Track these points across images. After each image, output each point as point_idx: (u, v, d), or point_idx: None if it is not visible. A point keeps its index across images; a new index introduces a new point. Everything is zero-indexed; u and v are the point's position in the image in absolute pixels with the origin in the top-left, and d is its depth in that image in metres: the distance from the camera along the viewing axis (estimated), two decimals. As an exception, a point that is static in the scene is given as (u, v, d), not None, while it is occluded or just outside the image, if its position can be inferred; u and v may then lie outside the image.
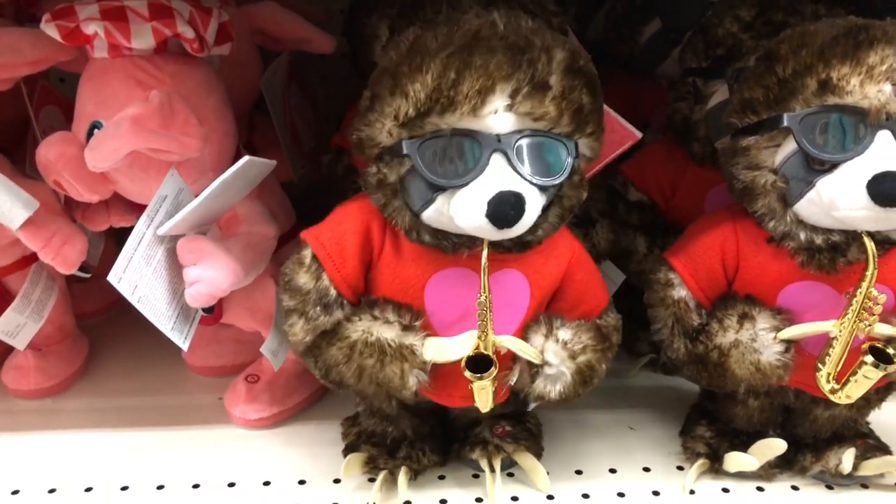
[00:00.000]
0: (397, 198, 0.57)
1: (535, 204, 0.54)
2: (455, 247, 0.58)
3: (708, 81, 0.75)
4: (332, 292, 0.61)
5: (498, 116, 0.53)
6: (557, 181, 0.55)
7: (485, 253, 0.57)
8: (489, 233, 0.54)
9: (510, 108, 0.53)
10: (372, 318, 0.60)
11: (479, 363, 0.59)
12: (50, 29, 0.63)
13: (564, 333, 0.61)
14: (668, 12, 0.87)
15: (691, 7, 0.82)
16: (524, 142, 0.54)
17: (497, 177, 0.53)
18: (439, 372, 0.61)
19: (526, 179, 0.54)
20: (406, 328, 0.59)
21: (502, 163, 0.53)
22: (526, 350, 0.61)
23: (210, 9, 0.67)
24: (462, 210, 0.54)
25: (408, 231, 0.58)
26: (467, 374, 0.59)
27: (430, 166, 0.54)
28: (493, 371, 0.59)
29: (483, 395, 0.60)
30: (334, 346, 0.60)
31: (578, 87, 0.55)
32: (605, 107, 0.65)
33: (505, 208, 0.52)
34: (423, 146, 0.54)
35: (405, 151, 0.54)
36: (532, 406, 0.70)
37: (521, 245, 0.59)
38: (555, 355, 0.61)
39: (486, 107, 0.52)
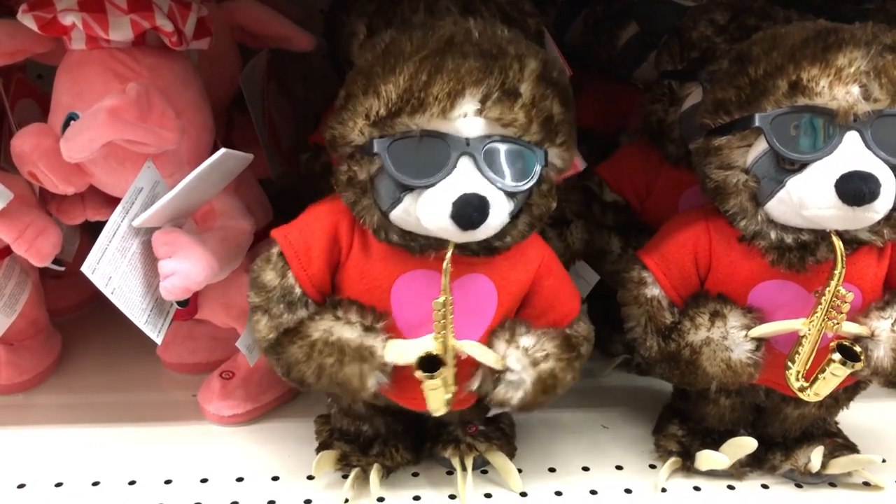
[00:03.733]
0: (367, 196, 0.58)
1: (500, 208, 0.55)
2: (422, 248, 0.59)
3: (683, 84, 0.76)
4: (297, 291, 0.62)
5: (467, 120, 0.54)
6: (524, 187, 0.56)
7: (448, 254, 0.57)
8: (453, 234, 0.55)
9: (480, 112, 0.54)
10: (334, 317, 0.60)
11: (431, 364, 0.59)
12: (27, 19, 0.63)
13: (527, 340, 0.61)
14: (644, 16, 0.88)
15: (667, 11, 0.83)
16: (493, 147, 0.55)
17: (463, 179, 0.54)
18: (403, 375, 0.60)
19: (492, 184, 0.54)
20: (367, 329, 0.59)
21: (470, 166, 0.54)
22: (486, 356, 0.61)
23: (189, 3, 0.67)
24: (427, 210, 0.54)
25: (376, 230, 0.59)
26: (417, 373, 0.58)
27: (399, 166, 0.55)
28: (443, 371, 0.59)
29: (434, 396, 0.60)
30: (295, 345, 0.60)
31: (549, 97, 0.56)
32: None
33: (468, 210, 0.53)
34: (393, 146, 0.55)
35: (375, 150, 0.55)
36: (492, 412, 0.70)
37: (489, 250, 0.60)
38: (517, 362, 0.60)
39: (456, 110, 0.53)
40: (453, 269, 0.58)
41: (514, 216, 0.58)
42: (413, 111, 0.53)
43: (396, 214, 0.57)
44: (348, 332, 0.59)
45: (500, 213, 0.55)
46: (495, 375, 0.61)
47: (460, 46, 0.54)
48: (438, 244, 0.58)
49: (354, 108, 0.56)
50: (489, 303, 0.62)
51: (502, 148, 0.55)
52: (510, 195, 0.56)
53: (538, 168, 0.56)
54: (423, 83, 0.53)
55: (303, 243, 0.61)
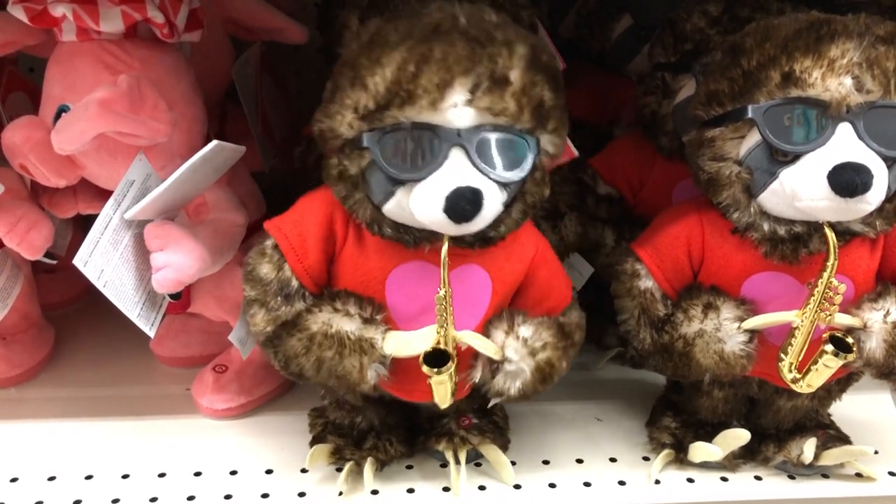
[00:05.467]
0: (359, 190, 0.57)
1: (493, 200, 0.54)
2: (416, 241, 0.58)
3: (676, 76, 0.76)
4: (294, 283, 0.61)
5: (458, 111, 0.53)
6: (517, 177, 0.56)
7: (445, 247, 0.56)
8: (447, 227, 0.54)
9: (470, 102, 0.53)
10: (333, 309, 0.60)
11: (436, 358, 0.59)
12: (17, 11, 0.62)
13: (525, 330, 0.61)
14: (638, 8, 0.88)
15: (661, 3, 0.82)
16: (484, 137, 0.54)
17: (456, 171, 0.53)
18: (400, 367, 0.61)
19: (485, 175, 0.54)
20: (367, 321, 0.59)
21: (462, 158, 0.53)
22: (486, 346, 0.60)
23: (181, -6, 0.67)
24: (420, 204, 0.54)
25: (369, 224, 0.58)
26: (425, 369, 0.58)
27: (390, 160, 0.54)
28: (451, 366, 0.58)
29: (441, 390, 0.60)
30: (294, 337, 0.60)
31: (540, 83, 0.55)
32: None
33: (462, 203, 0.52)
34: (384, 139, 0.54)
35: (365, 144, 0.54)
36: (492, 403, 0.69)
37: (484, 241, 0.59)
38: (515, 352, 0.60)
39: (446, 101, 0.52)
40: (449, 260, 0.57)
41: (508, 205, 0.58)
42: (402, 104, 0.52)
43: (389, 208, 0.56)
44: (347, 323, 0.59)
45: (493, 204, 0.55)
46: (493, 366, 0.61)
47: (447, 34, 0.52)
48: (433, 237, 0.57)
49: (342, 102, 0.55)
50: (484, 293, 0.62)
51: (494, 137, 0.54)
52: (503, 185, 0.55)
53: (531, 157, 0.56)
54: (410, 74, 0.52)
55: (298, 235, 0.61)
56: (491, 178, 0.54)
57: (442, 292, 0.57)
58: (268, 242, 0.61)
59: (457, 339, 0.60)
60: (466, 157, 0.53)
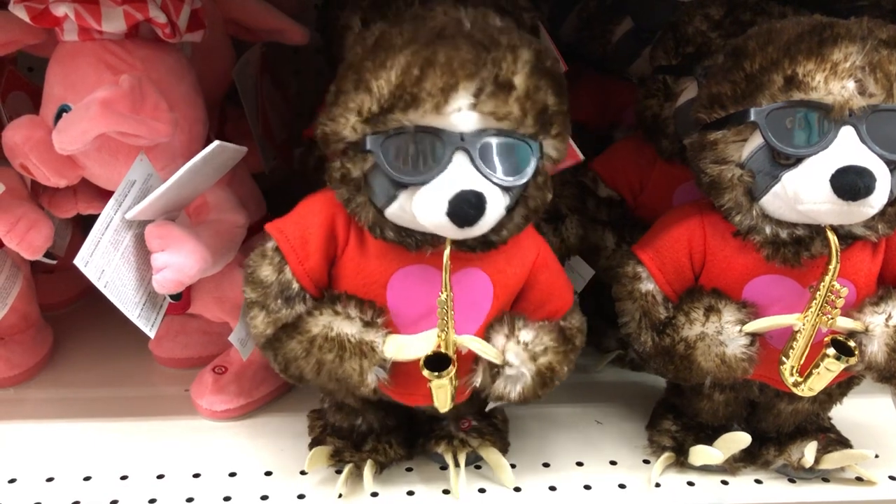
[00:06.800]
0: (361, 193, 0.57)
1: (496, 204, 0.54)
2: (418, 244, 0.58)
3: (677, 79, 0.76)
4: (295, 286, 0.61)
5: (462, 115, 0.53)
6: (520, 182, 0.55)
7: (447, 251, 0.56)
8: (450, 231, 0.54)
9: (474, 106, 0.53)
10: (334, 312, 0.59)
11: (437, 362, 0.59)
12: (19, 10, 0.62)
13: (526, 335, 0.61)
14: (639, 11, 0.88)
15: (662, 6, 0.83)
16: (488, 141, 0.54)
17: (459, 175, 0.53)
18: (400, 370, 0.60)
19: (488, 179, 0.54)
20: (367, 324, 0.59)
21: (465, 162, 0.53)
22: (487, 350, 0.61)
23: (183, -5, 0.67)
24: (423, 208, 0.54)
25: (371, 227, 0.58)
26: (425, 372, 0.58)
27: (393, 163, 0.54)
28: (452, 370, 0.58)
29: (441, 394, 0.60)
30: (294, 340, 0.60)
31: (544, 88, 0.55)
32: None
33: (465, 207, 0.52)
34: (387, 143, 0.54)
35: (368, 147, 0.54)
36: (490, 406, 0.69)
37: (486, 244, 0.59)
38: (516, 356, 0.60)
39: (450, 105, 0.52)
40: (451, 264, 0.57)
41: (510, 209, 0.58)
42: (406, 107, 0.52)
43: (392, 211, 0.56)
44: (348, 326, 0.59)
45: (496, 208, 0.54)
46: (494, 370, 0.61)
47: (452, 38, 0.52)
48: (435, 240, 0.57)
49: (346, 105, 0.55)
50: (485, 297, 0.62)
51: (497, 142, 0.54)
52: (505, 190, 0.55)
53: (534, 161, 0.56)
54: (415, 78, 0.52)
55: (299, 238, 0.61)
56: (494, 183, 0.54)
57: (444, 296, 0.57)
58: (269, 244, 0.61)
59: (458, 343, 0.60)
60: (470, 161, 0.53)
